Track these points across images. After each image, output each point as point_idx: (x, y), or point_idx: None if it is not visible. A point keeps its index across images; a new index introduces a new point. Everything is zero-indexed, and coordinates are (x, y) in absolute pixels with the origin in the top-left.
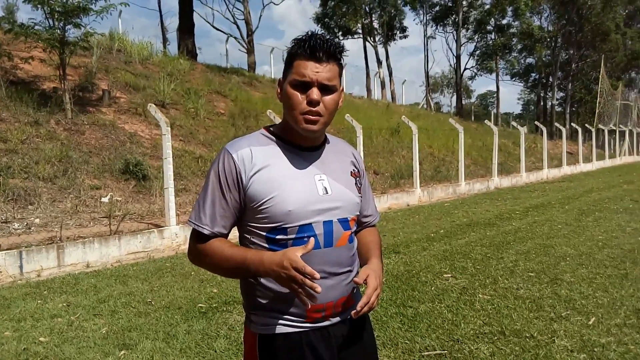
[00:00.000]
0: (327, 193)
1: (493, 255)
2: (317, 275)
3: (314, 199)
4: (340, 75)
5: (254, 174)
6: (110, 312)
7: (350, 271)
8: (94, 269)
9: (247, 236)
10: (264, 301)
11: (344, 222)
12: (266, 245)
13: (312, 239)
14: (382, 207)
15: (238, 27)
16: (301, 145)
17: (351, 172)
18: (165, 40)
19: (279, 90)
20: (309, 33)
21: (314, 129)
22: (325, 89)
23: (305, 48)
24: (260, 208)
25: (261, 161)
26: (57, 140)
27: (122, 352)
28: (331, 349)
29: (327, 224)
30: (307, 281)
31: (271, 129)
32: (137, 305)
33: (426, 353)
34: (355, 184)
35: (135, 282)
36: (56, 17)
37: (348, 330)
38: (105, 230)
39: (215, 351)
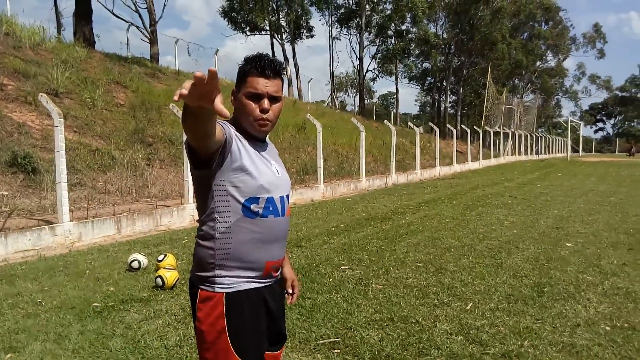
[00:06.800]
0: (279, 174)
1: (387, 248)
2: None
3: (274, 177)
4: (282, 87)
5: (239, 140)
6: None
7: (285, 238)
8: None
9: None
10: (228, 263)
11: (288, 198)
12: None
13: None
14: None
15: (140, 16)
16: (257, 138)
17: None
18: (59, 26)
19: (233, 99)
20: (258, 54)
21: (266, 131)
22: (273, 99)
23: (257, 67)
24: (234, 166)
25: (240, 137)
26: None
27: (9, 355)
28: (275, 302)
29: (282, 198)
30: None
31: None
32: (25, 306)
33: (321, 341)
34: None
35: (24, 282)
36: None
37: (279, 287)
38: None
39: (111, 350)
